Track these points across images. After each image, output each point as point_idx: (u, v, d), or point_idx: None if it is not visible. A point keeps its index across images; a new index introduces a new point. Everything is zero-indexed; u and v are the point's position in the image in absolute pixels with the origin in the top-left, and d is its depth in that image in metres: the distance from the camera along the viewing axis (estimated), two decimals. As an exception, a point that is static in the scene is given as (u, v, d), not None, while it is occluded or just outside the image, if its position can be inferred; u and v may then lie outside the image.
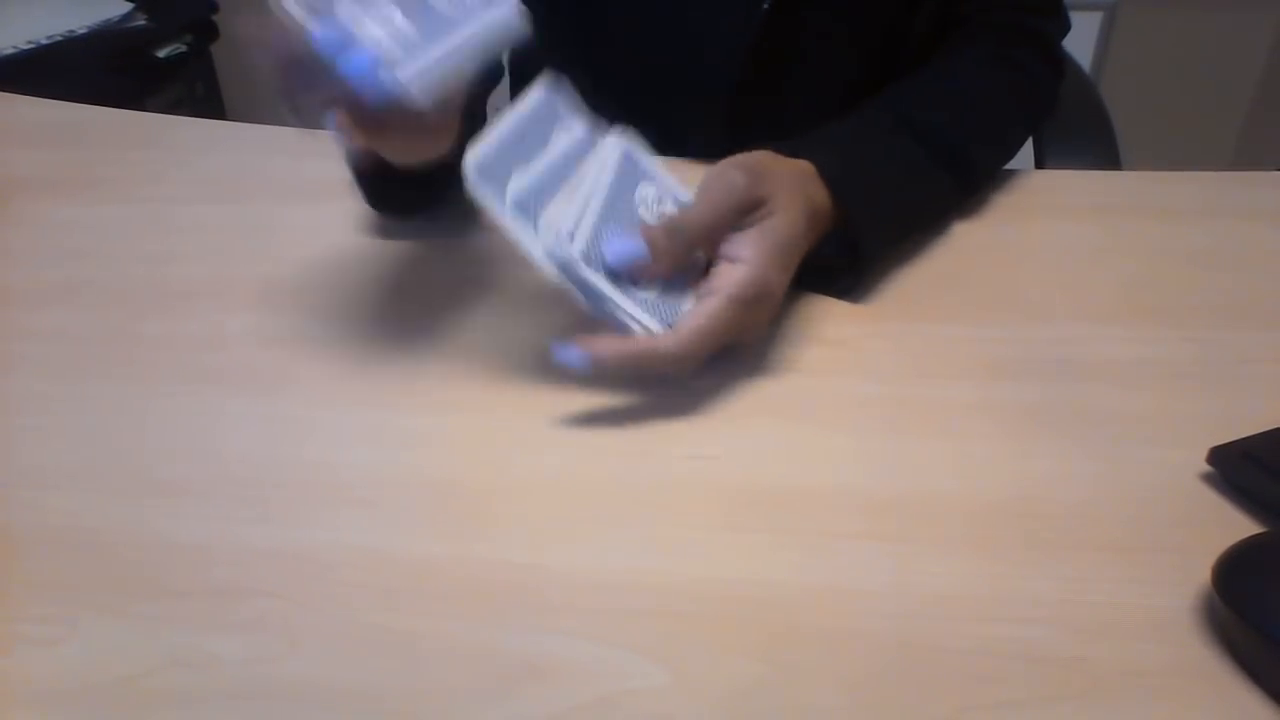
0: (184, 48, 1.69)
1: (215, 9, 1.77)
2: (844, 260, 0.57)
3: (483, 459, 0.48)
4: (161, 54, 1.65)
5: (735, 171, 0.51)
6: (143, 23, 1.65)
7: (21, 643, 0.40)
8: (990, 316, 0.56)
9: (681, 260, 0.50)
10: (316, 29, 0.44)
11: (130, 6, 1.67)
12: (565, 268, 0.48)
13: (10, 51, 1.53)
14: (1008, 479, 0.46)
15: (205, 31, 1.76)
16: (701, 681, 0.38)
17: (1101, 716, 0.36)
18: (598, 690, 0.37)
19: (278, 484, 0.47)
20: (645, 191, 0.52)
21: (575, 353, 0.48)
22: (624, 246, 0.49)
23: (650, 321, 0.49)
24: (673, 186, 0.54)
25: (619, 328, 0.49)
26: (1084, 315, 0.56)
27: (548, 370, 0.53)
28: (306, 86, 0.46)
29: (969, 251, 0.62)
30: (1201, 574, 0.40)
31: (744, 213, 0.51)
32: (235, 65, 1.92)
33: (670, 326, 0.50)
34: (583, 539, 0.44)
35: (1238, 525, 0.43)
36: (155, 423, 0.50)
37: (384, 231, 0.65)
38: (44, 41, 1.56)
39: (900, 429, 0.49)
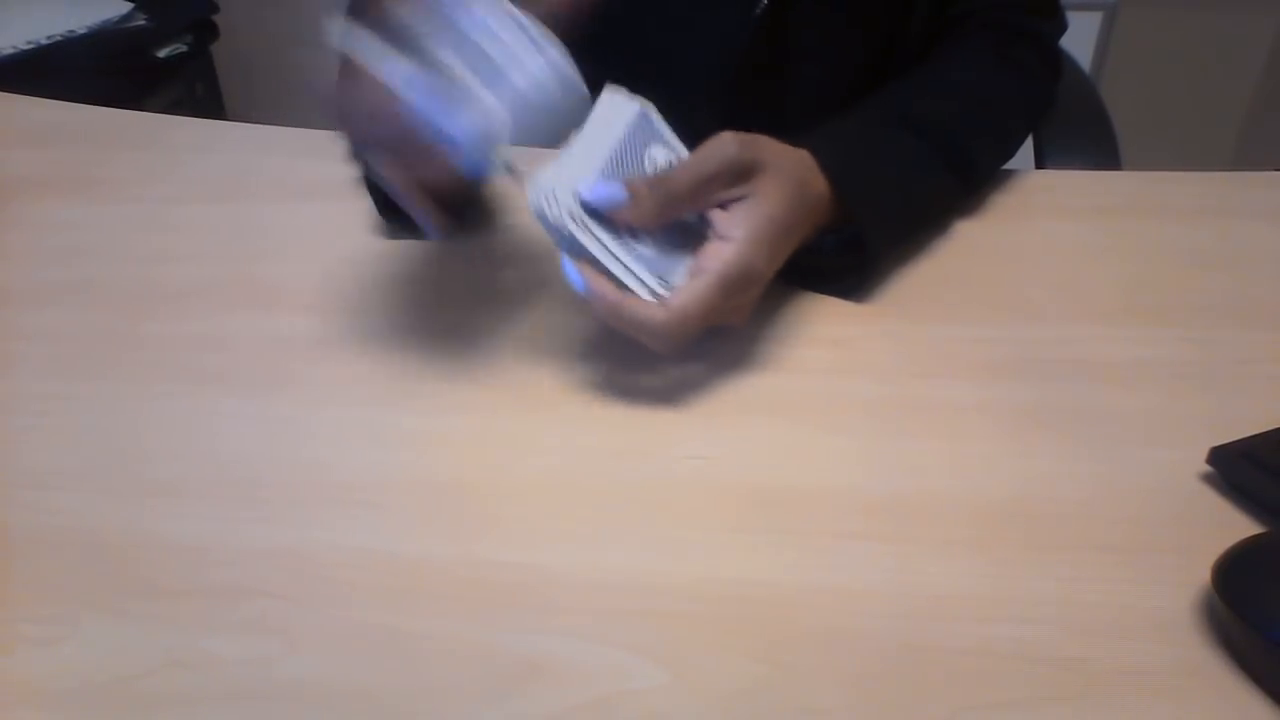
0: (184, 48, 1.69)
1: (215, 9, 1.77)
2: (850, 260, 0.57)
3: (483, 459, 0.48)
4: (161, 54, 1.65)
5: (728, 137, 0.51)
6: (143, 23, 1.65)
7: (21, 643, 0.40)
8: (990, 316, 0.56)
9: (663, 214, 0.50)
10: (414, 90, 0.45)
11: (130, 6, 1.67)
12: (568, 242, 0.48)
13: (10, 51, 1.53)
14: (1008, 479, 0.46)
15: (205, 31, 1.76)
16: (701, 681, 0.38)
17: (1101, 716, 0.36)
18: (598, 690, 0.37)
19: (277, 484, 0.47)
20: (656, 153, 0.52)
21: (578, 277, 0.48)
22: (604, 189, 0.49)
23: (646, 276, 0.49)
24: (684, 154, 0.54)
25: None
26: (1084, 315, 0.56)
27: (548, 371, 0.53)
28: (377, 134, 0.47)
29: (969, 251, 0.62)
30: (1201, 574, 0.40)
31: (733, 179, 0.51)
32: (235, 65, 1.92)
33: (664, 281, 0.50)
34: (583, 539, 0.44)
35: (1238, 525, 0.43)
36: (154, 423, 0.50)
37: (384, 231, 0.65)
38: (44, 41, 1.56)
39: (900, 429, 0.49)
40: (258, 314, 0.58)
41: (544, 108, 0.48)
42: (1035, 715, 0.36)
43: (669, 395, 0.51)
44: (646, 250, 0.50)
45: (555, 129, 0.49)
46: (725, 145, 0.51)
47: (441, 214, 0.50)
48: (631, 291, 0.49)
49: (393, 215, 0.64)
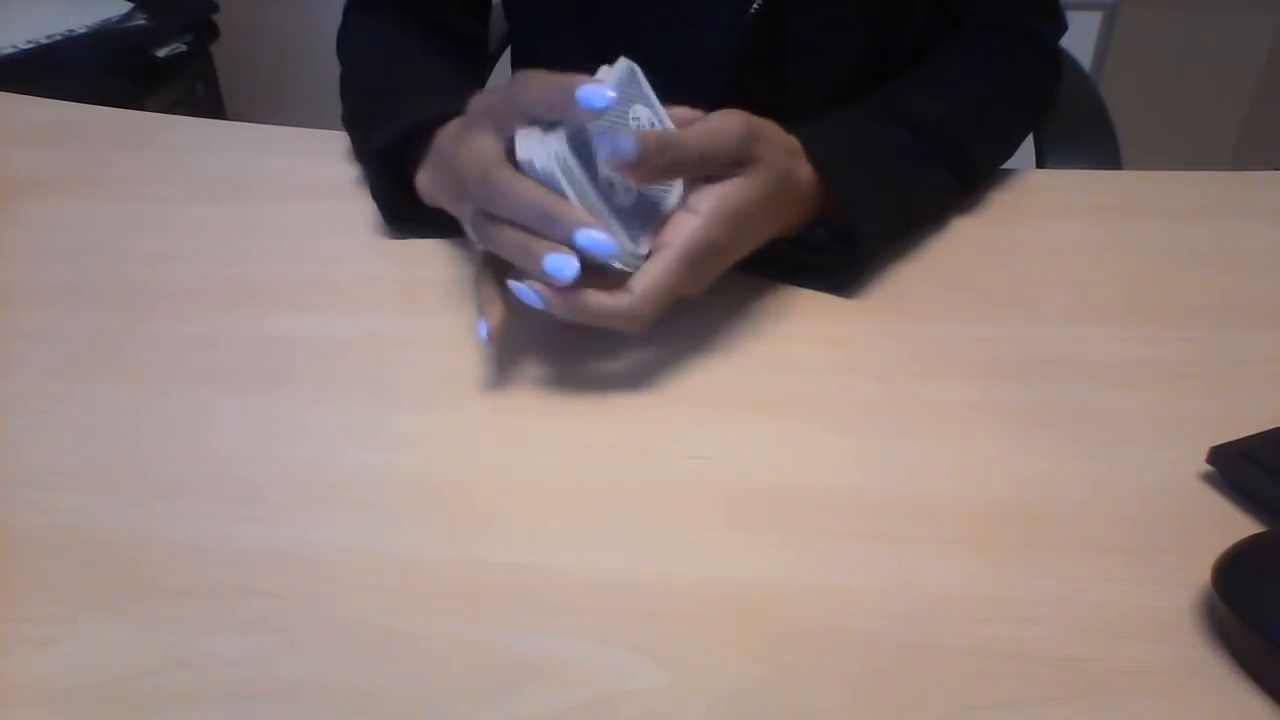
0: (184, 48, 1.69)
1: (215, 9, 1.77)
2: (841, 254, 0.57)
3: (483, 459, 0.48)
4: (161, 54, 1.65)
5: (739, 121, 0.51)
6: (143, 22, 1.65)
7: (21, 643, 0.40)
8: (990, 316, 0.56)
9: (664, 176, 0.50)
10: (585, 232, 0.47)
11: (130, 6, 1.67)
12: (530, 168, 0.48)
13: (10, 51, 1.53)
14: (1008, 479, 0.46)
15: (205, 31, 1.76)
16: (701, 681, 0.38)
17: (1101, 716, 0.36)
18: (598, 690, 0.37)
19: (277, 484, 0.47)
20: (639, 112, 0.52)
21: (532, 295, 0.49)
22: (619, 142, 0.48)
23: (618, 231, 0.49)
24: (665, 119, 0.53)
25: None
26: (1084, 315, 0.56)
27: (548, 370, 0.53)
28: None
29: (969, 251, 0.62)
30: (1201, 574, 0.40)
31: (731, 161, 0.51)
32: (235, 65, 1.92)
33: (635, 238, 0.50)
34: (583, 539, 0.44)
35: (1238, 525, 0.43)
36: (154, 422, 0.50)
37: (384, 231, 0.65)
38: (44, 41, 1.56)
39: (900, 429, 0.49)
40: (258, 314, 0.58)
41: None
42: (1035, 715, 0.36)
43: (669, 395, 0.51)
44: (623, 204, 0.50)
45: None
46: (738, 126, 0.51)
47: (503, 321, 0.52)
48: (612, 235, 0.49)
49: (400, 223, 0.64)
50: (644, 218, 0.51)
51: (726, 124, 0.51)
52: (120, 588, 0.42)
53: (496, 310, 0.52)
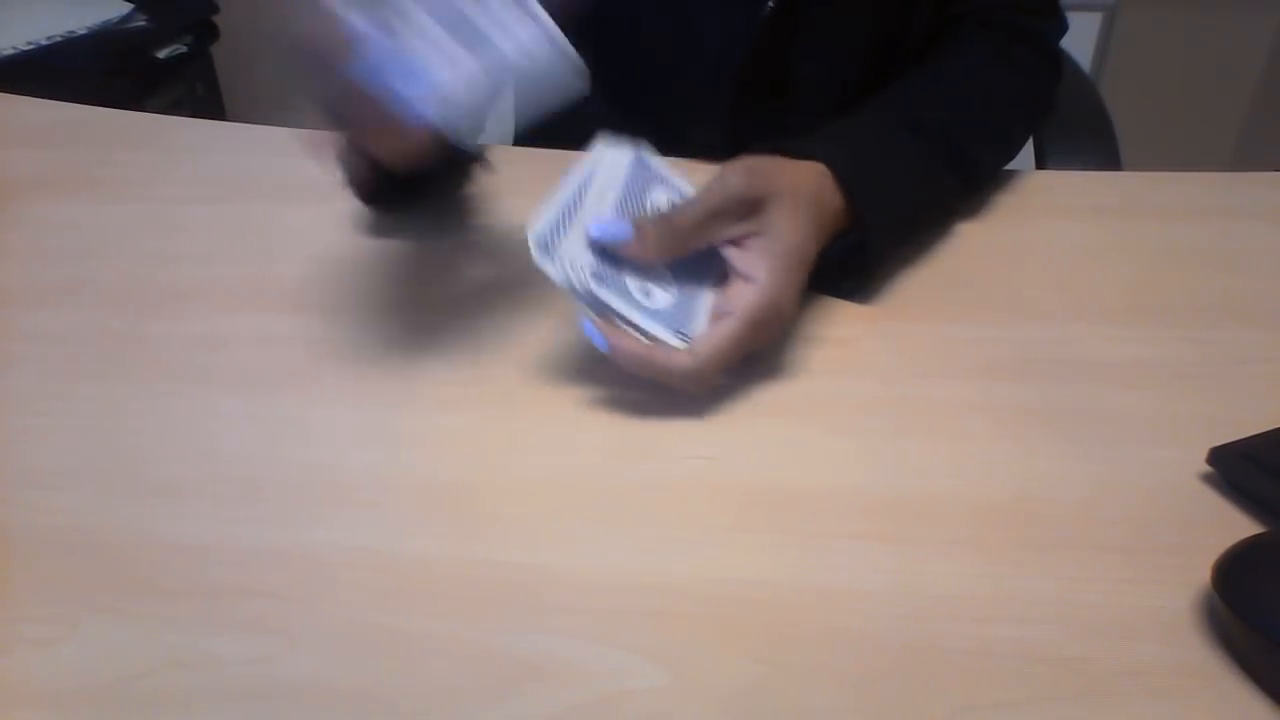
0: (184, 48, 1.69)
1: (215, 9, 1.77)
2: (853, 262, 0.57)
3: (483, 459, 0.48)
4: (161, 54, 1.65)
5: (734, 171, 0.52)
6: (143, 23, 1.65)
7: (21, 643, 0.40)
8: (990, 316, 0.56)
9: (669, 250, 0.50)
10: (363, 34, 0.43)
11: (130, 7, 1.67)
12: (587, 298, 0.49)
13: (10, 52, 1.53)
14: (1008, 479, 0.46)
15: (205, 32, 1.76)
16: (701, 681, 0.38)
17: (1101, 716, 0.36)
18: (598, 690, 0.37)
19: (277, 484, 0.47)
20: (658, 194, 0.52)
21: (600, 337, 0.49)
22: (610, 226, 0.49)
23: (663, 334, 0.49)
24: (685, 189, 0.54)
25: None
26: (1084, 315, 0.56)
27: (548, 370, 0.53)
28: (329, 80, 0.46)
29: (969, 251, 0.62)
30: (1201, 574, 0.40)
31: (742, 212, 0.51)
32: (235, 65, 1.92)
33: (682, 335, 0.50)
34: (583, 539, 0.44)
35: (1238, 525, 0.43)
36: (154, 423, 0.50)
37: (384, 231, 0.65)
38: (44, 42, 1.56)
39: (900, 429, 0.49)
40: (258, 314, 0.58)
41: (534, 76, 0.47)
42: (1035, 715, 0.36)
43: (669, 395, 0.51)
44: (663, 303, 0.50)
45: (548, 98, 0.48)
46: (732, 179, 0.51)
47: (370, 180, 0.50)
48: (655, 338, 0.49)
49: (372, 201, 0.64)
50: (689, 309, 0.51)
51: (721, 180, 0.51)
52: (120, 588, 0.42)
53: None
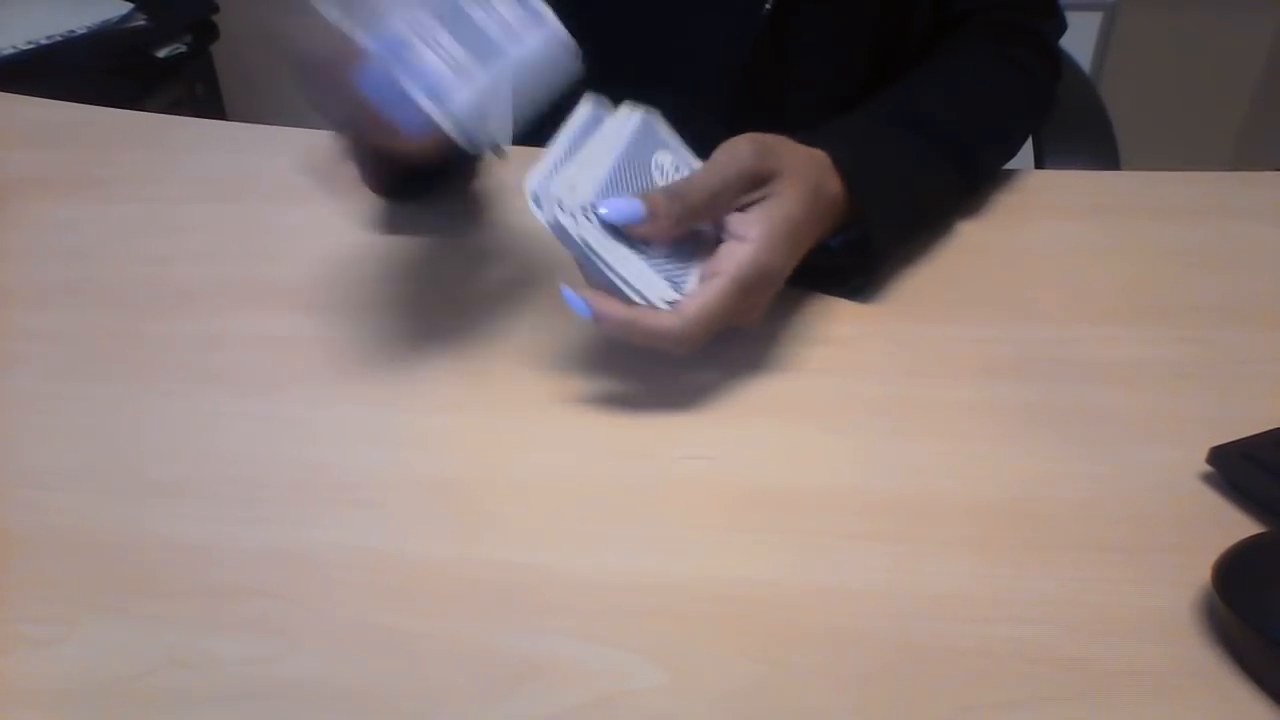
0: (184, 48, 1.69)
1: (215, 9, 1.77)
2: (855, 259, 0.57)
3: (483, 459, 0.48)
4: (161, 54, 1.65)
5: (744, 144, 0.51)
6: (143, 23, 1.65)
7: (21, 643, 0.40)
8: (990, 316, 0.56)
9: (681, 225, 0.50)
10: (372, 50, 0.44)
11: (130, 6, 1.67)
12: (582, 246, 0.48)
13: (10, 51, 1.53)
14: (1008, 479, 0.46)
15: (205, 31, 1.76)
16: (701, 681, 0.38)
17: (1101, 716, 0.36)
18: (598, 690, 0.37)
19: (277, 484, 0.47)
20: (663, 159, 0.52)
21: (580, 302, 0.48)
22: (622, 205, 0.48)
23: (652, 289, 0.49)
24: (690, 159, 0.54)
25: (620, 296, 0.49)
26: (1084, 315, 0.56)
27: (548, 370, 0.53)
28: (333, 92, 0.46)
29: (969, 251, 0.62)
30: (1201, 574, 0.40)
31: (749, 185, 0.51)
32: (235, 65, 1.92)
33: (675, 288, 0.49)
34: (583, 539, 0.44)
35: (1238, 525, 0.43)
36: (154, 423, 0.50)
37: (384, 231, 0.65)
38: (44, 41, 1.56)
39: (900, 429, 0.49)
40: (258, 314, 0.58)
41: (542, 77, 0.47)
42: (1035, 715, 0.36)
43: (669, 395, 0.51)
44: (659, 254, 0.50)
45: (549, 99, 0.48)
46: (741, 153, 0.51)
47: (383, 174, 0.50)
48: (643, 299, 0.49)
49: (382, 191, 0.64)
50: (684, 262, 0.51)
51: (729, 154, 0.51)
52: (120, 588, 0.42)
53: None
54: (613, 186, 0.49)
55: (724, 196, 0.50)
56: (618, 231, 0.49)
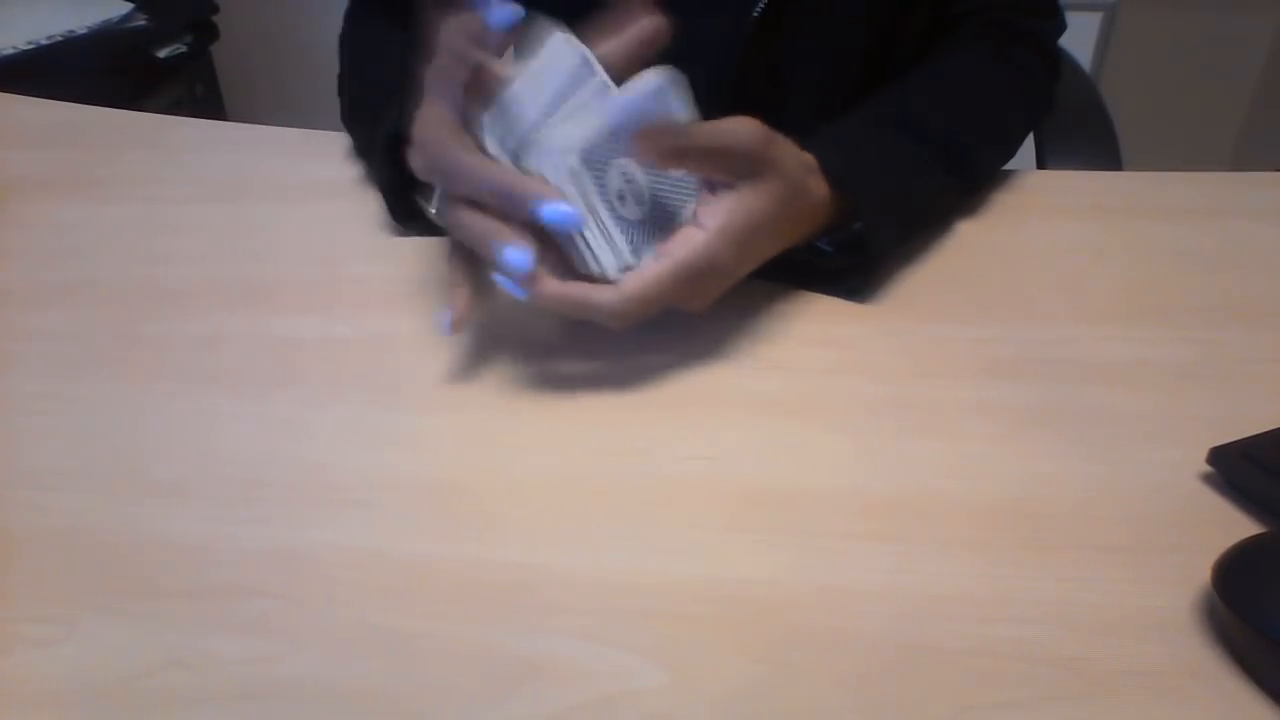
0: (184, 48, 1.69)
1: (215, 9, 1.77)
2: (852, 260, 0.57)
3: (483, 459, 0.48)
4: (161, 54, 1.65)
5: (758, 127, 0.51)
6: (143, 23, 1.66)
7: (21, 643, 0.40)
8: (990, 316, 0.56)
9: (669, 159, 0.49)
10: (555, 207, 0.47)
11: (130, 6, 1.67)
12: (568, 183, 0.48)
13: (10, 51, 1.53)
14: (1008, 479, 0.46)
15: (205, 31, 1.76)
16: (701, 681, 0.38)
17: (1101, 716, 0.36)
18: (598, 690, 0.37)
19: (277, 484, 0.47)
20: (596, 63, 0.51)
21: (513, 285, 0.48)
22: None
23: (607, 254, 0.49)
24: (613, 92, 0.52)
25: (578, 258, 0.49)
26: (1084, 315, 0.56)
27: (548, 370, 0.53)
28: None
29: (969, 251, 0.62)
30: (1201, 574, 0.40)
31: (743, 165, 0.50)
32: (235, 65, 1.92)
33: (634, 252, 0.50)
34: (583, 539, 0.44)
35: (1238, 525, 0.43)
36: (154, 423, 0.50)
37: (383, 231, 0.65)
38: (44, 41, 1.56)
39: (900, 429, 0.49)
40: (258, 314, 0.58)
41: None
42: (1035, 715, 0.36)
43: (670, 395, 0.51)
44: (630, 216, 0.50)
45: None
46: (754, 133, 0.50)
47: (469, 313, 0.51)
48: (596, 263, 0.49)
49: (407, 220, 0.64)
50: (651, 231, 0.51)
51: (741, 125, 0.50)
52: (120, 588, 0.42)
53: (463, 297, 0.51)
54: (567, 125, 0.49)
55: (719, 158, 0.50)
56: (601, 186, 0.49)
